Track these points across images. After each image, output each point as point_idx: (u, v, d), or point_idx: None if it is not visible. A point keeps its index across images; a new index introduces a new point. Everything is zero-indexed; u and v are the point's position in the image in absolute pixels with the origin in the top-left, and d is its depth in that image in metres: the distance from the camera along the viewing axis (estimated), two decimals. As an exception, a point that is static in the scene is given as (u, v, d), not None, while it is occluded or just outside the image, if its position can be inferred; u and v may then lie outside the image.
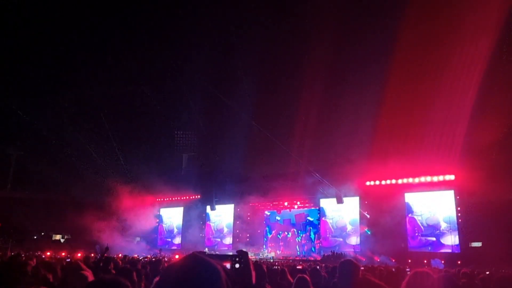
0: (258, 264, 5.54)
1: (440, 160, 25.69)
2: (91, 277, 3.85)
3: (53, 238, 40.97)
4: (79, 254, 23.07)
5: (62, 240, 40.71)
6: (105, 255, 11.03)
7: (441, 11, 25.39)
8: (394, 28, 24.15)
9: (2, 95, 33.18)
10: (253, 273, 2.08)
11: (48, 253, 24.13)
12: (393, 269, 12.34)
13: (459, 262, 23.40)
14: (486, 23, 21.07)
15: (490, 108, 24.14)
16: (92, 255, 21.58)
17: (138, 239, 40.56)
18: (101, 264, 9.88)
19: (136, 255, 26.37)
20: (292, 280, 6.25)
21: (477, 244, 26.06)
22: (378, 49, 28.81)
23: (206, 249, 36.84)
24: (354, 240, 31.95)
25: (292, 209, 37.81)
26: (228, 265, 2.04)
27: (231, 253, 2.12)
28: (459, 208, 27.02)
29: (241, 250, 2.12)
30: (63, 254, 24.84)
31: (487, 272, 9.62)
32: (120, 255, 23.11)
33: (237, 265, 2.01)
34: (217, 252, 36.73)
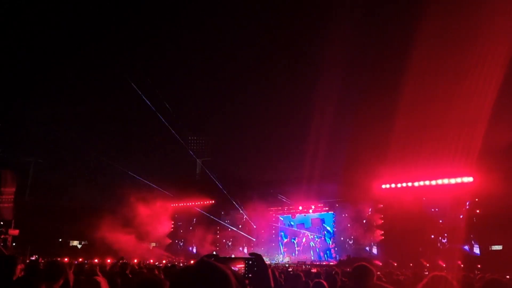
0: (271, 269, 5.49)
1: (458, 163, 25.22)
2: (104, 283, 3.85)
3: (71, 244, 41.49)
4: (95, 260, 23.31)
5: (79, 246, 41.20)
6: (121, 261, 11.14)
7: (458, 13, 25.06)
8: (411, 31, 23.93)
9: (20, 106, 33.95)
10: (271, 276, 2.05)
11: (66, 259, 24.44)
12: (410, 275, 12.10)
13: (479, 266, 22.90)
14: (505, 24, 20.70)
15: (508, 110, 23.67)
16: (109, 261, 21.78)
17: (153, 244, 40.78)
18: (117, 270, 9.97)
19: (151, 261, 26.53)
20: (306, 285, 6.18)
21: (498, 247, 25.49)
22: (394, 51, 28.60)
23: (214, 252, 36.87)
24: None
25: (306, 214, 37.58)
26: (237, 268, 2.03)
27: (245, 256, 2.10)
28: (478, 211, 26.49)
29: (254, 253, 2.10)
30: (80, 259, 25.13)
31: (507, 277, 9.37)
32: (135, 261, 23.27)
33: (250, 268, 2.00)
34: (232, 255, 36.71)
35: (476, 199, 26.53)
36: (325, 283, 4.81)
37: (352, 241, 33.80)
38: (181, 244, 42.47)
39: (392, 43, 28.74)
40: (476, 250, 26.74)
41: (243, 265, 2.00)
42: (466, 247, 27.11)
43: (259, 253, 2.10)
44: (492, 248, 25.78)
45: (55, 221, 35.47)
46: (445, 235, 28.33)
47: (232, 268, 2.12)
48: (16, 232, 29.12)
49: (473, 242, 26.95)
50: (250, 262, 2.00)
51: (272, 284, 2.01)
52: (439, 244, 28.41)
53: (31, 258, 23.58)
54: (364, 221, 32.83)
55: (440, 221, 28.58)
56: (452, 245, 27.60)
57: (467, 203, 27.50)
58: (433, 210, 29.01)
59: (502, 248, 25.03)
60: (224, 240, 40.38)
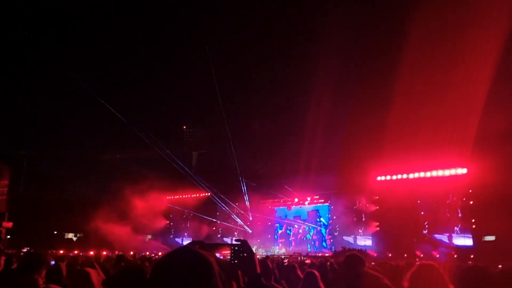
0: (263, 261, 5.51)
1: (452, 154, 25.37)
2: (94, 274, 3.81)
3: (66, 237, 41.49)
4: (91, 252, 23.32)
5: (74, 239, 41.21)
6: (117, 252, 11.18)
7: (451, 3, 25.03)
8: (405, 20, 23.89)
9: (13, 97, 33.74)
10: (257, 261, 2.05)
11: (61, 251, 24.44)
12: (404, 264, 12.19)
13: (472, 256, 23.16)
14: (497, 14, 20.71)
15: (503, 98, 23.73)
16: (104, 253, 21.80)
17: (149, 237, 40.88)
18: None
19: (147, 253, 26.58)
20: (301, 276, 6.20)
21: (491, 238, 25.74)
22: (388, 42, 28.56)
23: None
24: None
25: (302, 205, 37.74)
26: (219, 255, 2.02)
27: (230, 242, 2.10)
28: (471, 202, 26.70)
29: (240, 239, 2.09)
30: (76, 252, 25.13)
31: (500, 266, 9.45)
32: (131, 253, 23.30)
33: (236, 254, 2.00)
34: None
35: (470, 190, 26.72)
36: (316, 273, 4.83)
37: (337, 233, 34.25)
38: (177, 236, 42.60)
39: (386, 35, 28.69)
40: (456, 240, 27.07)
41: (229, 252, 2.01)
42: (445, 238, 27.45)
43: (255, 245, 2.11)
44: (485, 239, 26.03)
45: (50, 214, 35.42)
46: (426, 226, 28.63)
47: (218, 254, 2.11)
48: (9, 224, 29.08)
49: (455, 233, 27.30)
50: (236, 248, 2.01)
51: (258, 270, 2.00)
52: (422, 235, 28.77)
53: (23, 250, 23.55)
54: (359, 212, 33.07)
55: (422, 213, 28.86)
56: (431, 235, 28.05)
57: (460, 194, 27.76)
58: (418, 201, 29.13)
59: (495, 238, 25.27)
60: (219, 232, 40.52)
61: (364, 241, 31.94)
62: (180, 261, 1.49)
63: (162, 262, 1.52)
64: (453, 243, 27.03)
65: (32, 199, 36.08)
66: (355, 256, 3.84)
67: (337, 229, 34.73)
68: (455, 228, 27.31)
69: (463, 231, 26.98)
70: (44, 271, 3.75)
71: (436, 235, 28.06)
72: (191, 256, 1.50)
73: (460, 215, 27.19)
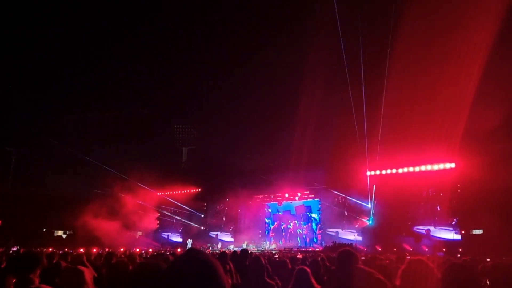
0: (256, 257, 5.53)
1: (440, 149, 25.64)
2: (87, 272, 3.78)
3: (55, 234, 41.14)
4: (81, 250, 23.18)
5: (64, 236, 40.88)
6: (107, 249, 11.13)
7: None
8: (394, 17, 23.99)
9: (1, 93, 33.27)
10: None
11: (50, 249, 24.24)
12: (394, 259, 12.33)
13: (460, 250, 23.51)
14: (487, 10, 20.89)
15: (491, 95, 24.05)
16: (94, 250, 21.68)
17: (139, 233, 40.72)
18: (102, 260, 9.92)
19: (137, 249, 26.51)
20: (293, 270, 6.23)
21: (479, 232, 26.13)
22: (379, 38, 28.68)
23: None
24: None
25: (293, 201, 37.87)
26: None
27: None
28: (459, 196, 27.06)
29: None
30: (66, 249, 24.96)
31: (488, 259, 9.62)
32: (122, 249, 23.21)
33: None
34: (219, 243, 36.86)
35: (458, 185, 27.07)
36: (308, 269, 4.87)
37: (325, 226, 34.54)
38: (167, 232, 42.50)
39: (376, 31, 28.81)
40: (444, 234, 27.50)
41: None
42: (433, 232, 27.85)
43: (245, 240, 2.11)
44: (473, 233, 26.42)
45: (39, 211, 35.07)
46: (412, 219, 29.01)
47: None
48: (-2, 222, 28.74)
49: (441, 226, 27.73)
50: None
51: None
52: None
53: (12, 249, 23.31)
54: (348, 207, 33.30)
55: (409, 206, 29.23)
56: (417, 229, 28.49)
57: (448, 188, 28.13)
58: (407, 195, 29.43)
59: (483, 232, 25.67)
60: (210, 228, 40.51)
61: (355, 236, 32.16)
62: (187, 263, 1.56)
63: (175, 264, 1.58)
64: (439, 237, 27.43)
65: (21, 196, 35.67)
66: (349, 252, 3.85)
67: (323, 224, 34.99)
68: (442, 221, 27.70)
69: (450, 225, 27.36)
70: (39, 271, 3.71)
71: (422, 229, 28.40)
72: (198, 258, 1.57)
73: (447, 209, 27.54)
